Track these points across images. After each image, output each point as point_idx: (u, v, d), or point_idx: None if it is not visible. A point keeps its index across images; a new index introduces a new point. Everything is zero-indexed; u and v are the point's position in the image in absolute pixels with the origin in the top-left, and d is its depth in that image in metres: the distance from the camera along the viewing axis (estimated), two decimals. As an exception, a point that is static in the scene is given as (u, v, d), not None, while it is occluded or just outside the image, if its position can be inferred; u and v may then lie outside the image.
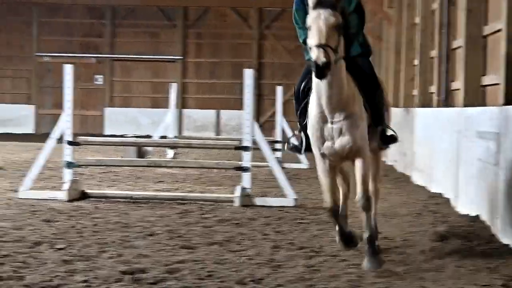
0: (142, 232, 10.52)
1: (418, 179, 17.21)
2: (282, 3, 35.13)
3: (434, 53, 18.33)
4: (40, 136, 27.06)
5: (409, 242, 9.97)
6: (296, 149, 9.26)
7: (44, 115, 37.04)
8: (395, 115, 21.78)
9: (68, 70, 13.92)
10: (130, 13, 37.63)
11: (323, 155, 8.45)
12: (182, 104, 35.80)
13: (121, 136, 27.07)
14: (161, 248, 9.44)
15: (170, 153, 22.79)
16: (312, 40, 7.74)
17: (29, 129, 37.02)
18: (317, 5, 7.84)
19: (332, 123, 8.24)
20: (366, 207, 8.48)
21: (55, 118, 16.77)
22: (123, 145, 20.05)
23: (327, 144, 8.32)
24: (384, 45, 27.44)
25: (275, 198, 14.08)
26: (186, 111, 36.73)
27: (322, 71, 7.53)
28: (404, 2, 22.79)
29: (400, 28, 23.51)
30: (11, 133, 34.90)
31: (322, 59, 7.48)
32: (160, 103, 34.09)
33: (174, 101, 24.90)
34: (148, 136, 24.98)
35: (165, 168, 18.79)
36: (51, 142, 13.92)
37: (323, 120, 8.26)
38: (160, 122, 25.36)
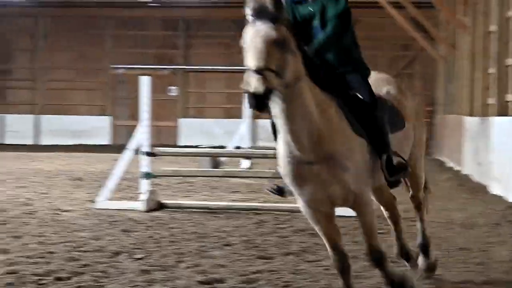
0: (218, 242, 10.58)
1: (495, 188, 16.92)
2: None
3: (510, 61, 18.10)
4: (116, 147, 27.30)
5: (487, 253, 9.85)
6: (279, 191, 7.18)
7: (119, 126, 37.31)
8: (471, 124, 21.64)
9: (145, 82, 14.08)
10: (204, 25, 37.73)
11: (306, 201, 6.66)
12: (256, 114, 35.72)
13: (196, 146, 27.20)
14: (238, 258, 9.48)
15: (244, 163, 22.80)
16: (249, 63, 6.02)
17: (105, 140, 37.30)
18: (254, 18, 6.10)
19: (307, 164, 6.33)
20: (379, 263, 6.91)
21: (130, 129, 16.94)
22: (200, 156, 20.16)
23: (308, 190, 6.47)
24: (458, 53, 27.15)
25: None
26: (260, 121, 36.66)
27: (260, 102, 5.78)
28: (479, 10, 22.54)
29: (475, 36, 23.26)
30: (87, 145, 35.27)
31: (259, 88, 5.71)
32: (234, 113, 34.05)
33: (248, 111, 24.97)
34: (222, 147, 25.07)
35: (240, 178, 18.79)
36: (128, 153, 14.10)
37: (296, 160, 6.37)
38: (234, 133, 25.49)
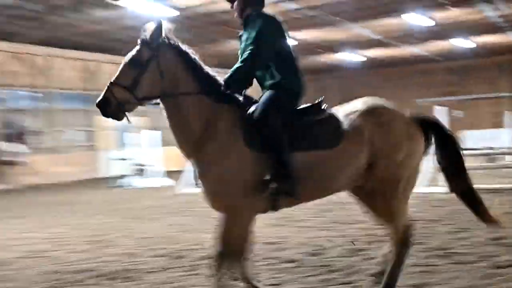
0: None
1: None
2: None
3: None
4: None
5: None
6: None
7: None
8: None
9: (439, 110, 13.85)
10: (475, 69, 36.28)
11: None
12: None
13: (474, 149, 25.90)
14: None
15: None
16: None
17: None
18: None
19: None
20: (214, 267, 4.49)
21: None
22: (481, 155, 19.06)
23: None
24: None
25: None
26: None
27: (103, 110, 4.44)
28: None
29: None
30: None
31: (99, 98, 4.43)
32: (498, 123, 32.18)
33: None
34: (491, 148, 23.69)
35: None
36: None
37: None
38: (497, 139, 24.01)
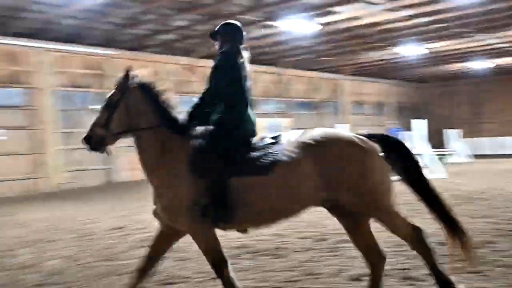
0: None
1: None
2: None
3: None
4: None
5: None
6: None
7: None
8: None
9: None
10: None
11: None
12: None
13: None
14: None
15: None
16: None
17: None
18: None
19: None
20: (217, 272, 4.43)
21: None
22: None
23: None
24: None
25: None
26: None
27: (88, 144, 4.57)
28: None
29: None
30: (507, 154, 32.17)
31: (84, 135, 4.59)
32: None
33: None
34: None
35: None
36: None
37: None
38: None
